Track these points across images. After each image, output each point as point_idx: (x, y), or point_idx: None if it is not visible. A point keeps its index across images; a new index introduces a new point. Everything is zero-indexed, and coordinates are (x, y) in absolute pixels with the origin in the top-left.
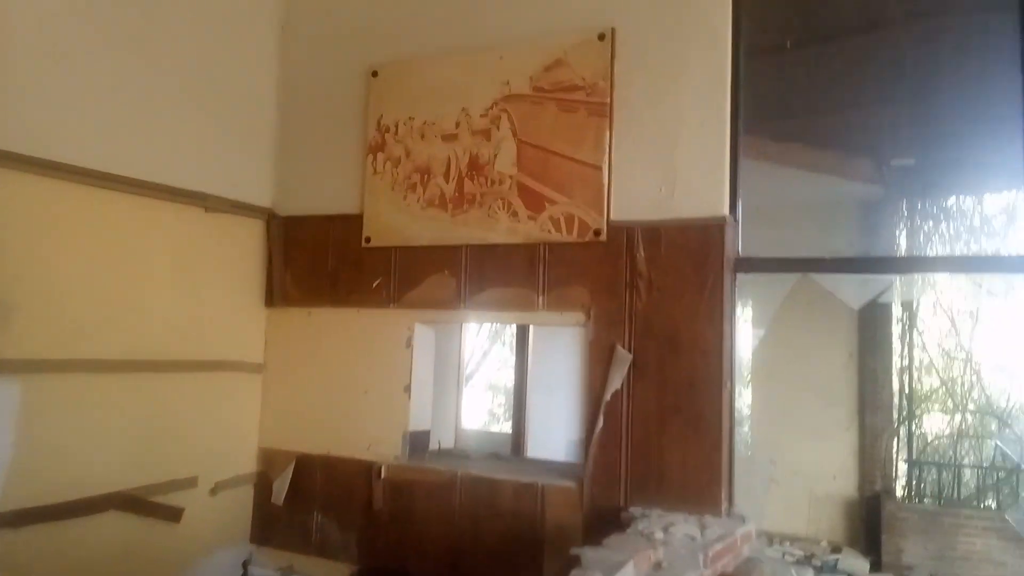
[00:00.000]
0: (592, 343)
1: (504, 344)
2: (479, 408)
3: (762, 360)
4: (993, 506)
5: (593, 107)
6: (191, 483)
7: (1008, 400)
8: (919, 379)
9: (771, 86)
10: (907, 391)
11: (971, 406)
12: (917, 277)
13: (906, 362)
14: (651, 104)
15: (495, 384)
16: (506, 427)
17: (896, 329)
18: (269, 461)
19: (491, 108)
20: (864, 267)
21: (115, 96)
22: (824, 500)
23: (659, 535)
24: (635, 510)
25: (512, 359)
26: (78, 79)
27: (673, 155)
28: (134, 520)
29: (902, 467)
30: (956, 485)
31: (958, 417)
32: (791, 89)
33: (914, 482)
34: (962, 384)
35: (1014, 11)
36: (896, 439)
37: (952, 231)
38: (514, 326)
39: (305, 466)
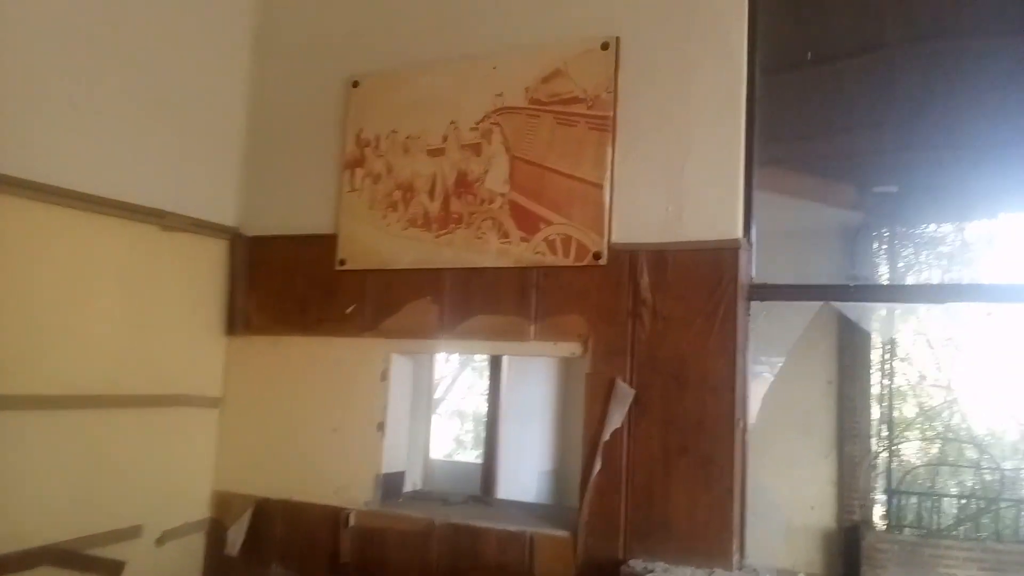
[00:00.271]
0: (590, 377)
1: (474, 370)
2: (445, 436)
3: None
4: (974, 536)
5: (595, 121)
6: (134, 532)
7: (988, 428)
8: (899, 407)
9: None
10: (887, 419)
11: (951, 434)
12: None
13: (886, 390)
14: (658, 118)
15: (462, 411)
16: (472, 455)
17: (876, 356)
18: (224, 506)
19: (482, 121)
20: (891, 295)
21: (58, 100)
22: (801, 531)
23: None
24: (636, 563)
25: (481, 385)
26: (13, 78)
27: (682, 173)
28: None
29: (881, 497)
30: (936, 515)
31: (937, 445)
32: (776, 113)
33: (893, 512)
34: (942, 412)
35: (1009, 35)
36: (875, 468)
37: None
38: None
39: (264, 512)
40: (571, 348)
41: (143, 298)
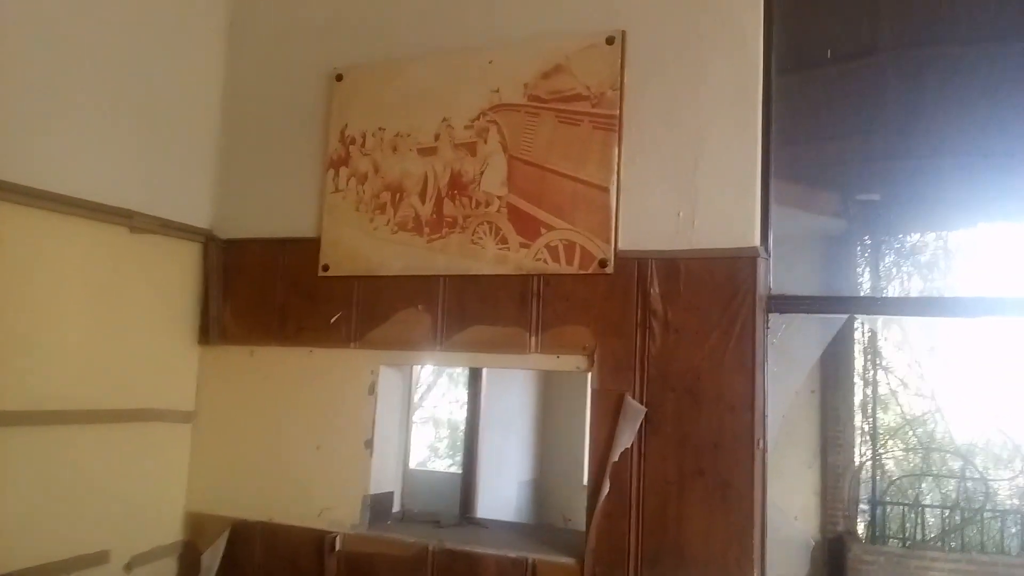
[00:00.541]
0: (597, 393)
1: (450, 377)
2: (420, 444)
3: None
4: (959, 547)
5: (600, 120)
6: (101, 558)
7: (971, 438)
8: (883, 416)
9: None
10: (870, 429)
11: (934, 444)
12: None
13: (869, 400)
14: (668, 117)
15: (437, 418)
16: (446, 464)
17: (859, 365)
18: (198, 529)
19: (477, 119)
20: (915, 308)
21: (19, 93)
22: (786, 542)
23: None
24: None
25: (456, 392)
26: None
27: (694, 176)
28: None
29: (865, 507)
30: (921, 525)
31: (921, 455)
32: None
33: (878, 523)
34: (925, 422)
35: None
36: (859, 478)
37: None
38: None
39: (242, 535)
40: (575, 362)
41: (110, 305)
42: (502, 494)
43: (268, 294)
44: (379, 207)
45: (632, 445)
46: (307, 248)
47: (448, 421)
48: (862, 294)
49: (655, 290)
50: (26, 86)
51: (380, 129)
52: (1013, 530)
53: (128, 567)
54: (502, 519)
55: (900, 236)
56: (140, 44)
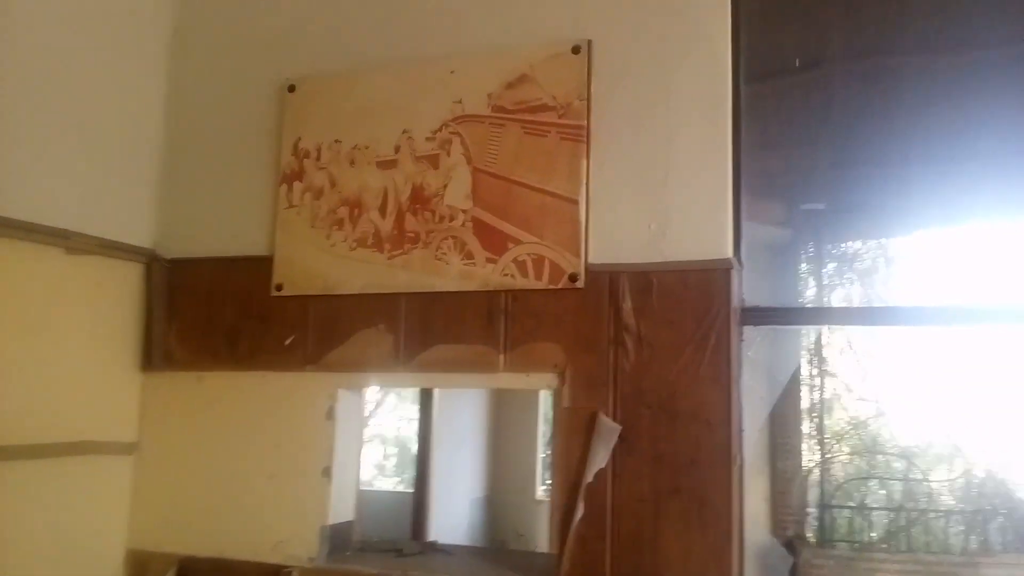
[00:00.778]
0: (568, 411)
1: (400, 395)
2: (367, 463)
3: None
4: (906, 548)
5: (567, 130)
6: None
7: (915, 440)
8: (828, 421)
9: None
10: (818, 433)
11: (879, 447)
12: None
13: (816, 404)
14: (637, 128)
15: (385, 436)
16: (395, 482)
17: (805, 370)
18: (141, 567)
19: (439, 130)
20: (887, 318)
21: None
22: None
23: None
24: None
25: (405, 409)
26: None
27: (664, 187)
28: None
29: (813, 511)
30: (868, 528)
31: (866, 459)
32: None
33: (827, 526)
34: (869, 425)
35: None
36: (807, 483)
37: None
38: None
39: (190, 573)
40: (546, 380)
41: (44, 331)
42: (454, 512)
43: (217, 316)
44: (336, 223)
45: (606, 465)
46: (259, 267)
47: (396, 438)
48: (807, 303)
49: (627, 304)
50: None
51: (336, 142)
52: (957, 530)
53: None
54: (456, 538)
55: (842, 244)
56: (75, 53)
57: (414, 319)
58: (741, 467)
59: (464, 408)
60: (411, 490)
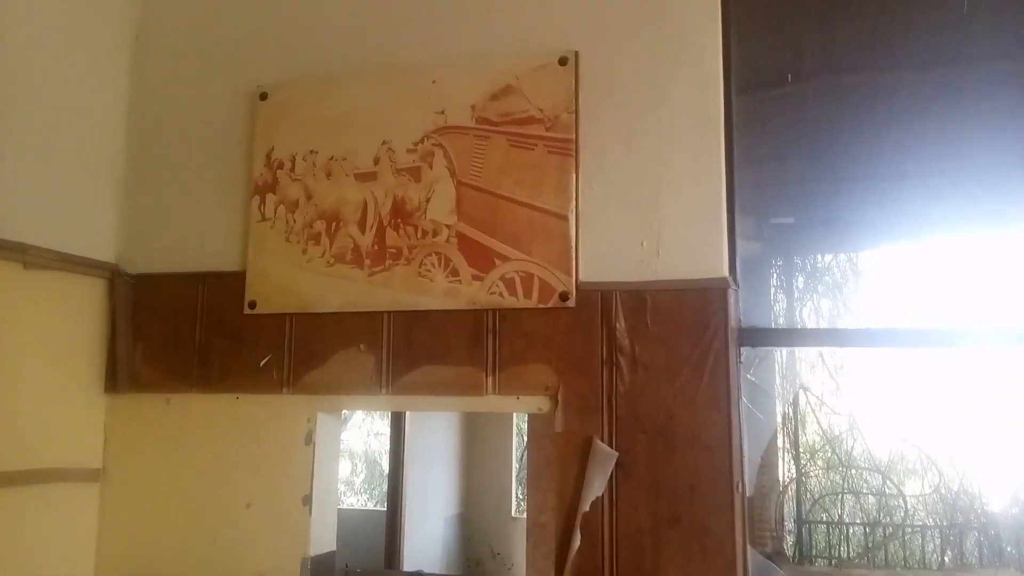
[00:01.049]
0: (561, 437)
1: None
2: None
3: None
4: (883, 563)
5: (555, 144)
6: None
7: (889, 454)
8: (803, 436)
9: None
10: (793, 448)
11: (853, 461)
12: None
13: (790, 419)
14: (627, 141)
15: (354, 451)
16: (363, 499)
17: (778, 384)
18: None
19: (421, 142)
20: (888, 340)
21: None
22: None
23: None
24: None
25: (374, 424)
26: None
27: (656, 203)
28: None
29: (790, 526)
30: (846, 543)
31: (841, 473)
32: None
33: (804, 542)
34: (843, 439)
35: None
36: (784, 498)
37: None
38: None
39: None
40: (537, 403)
41: (0, 351)
42: (429, 531)
43: (186, 335)
44: (313, 237)
45: (603, 493)
46: (230, 283)
47: (365, 454)
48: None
49: (621, 324)
50: None
51: (312, 152)
52: (933, 545)
53: None
54: (431, 558)
55: (811, 258)
56: (32, 59)
57: (397, 339)
58: (744, 494)
59: (437, 424)
60: (383, 508)
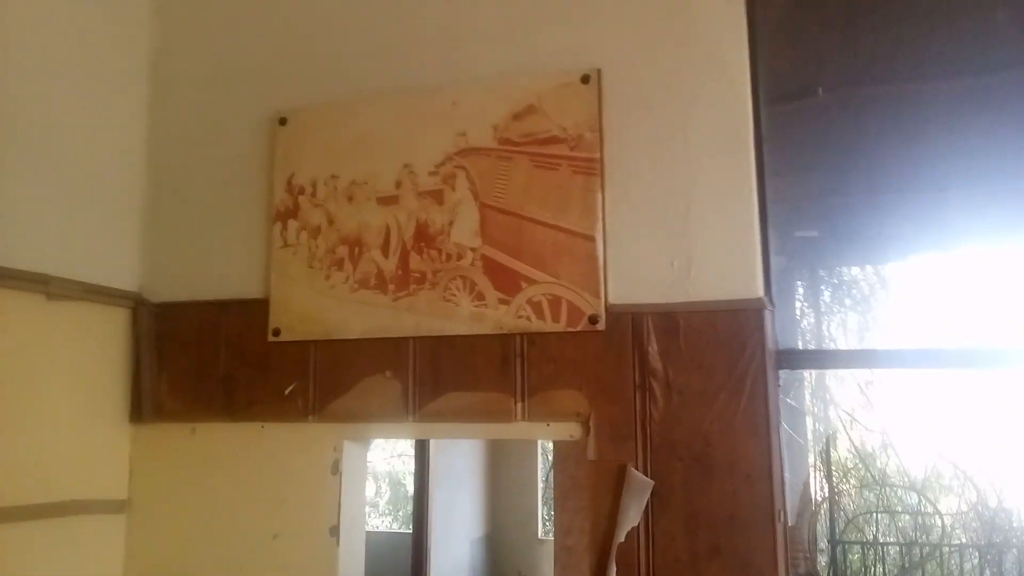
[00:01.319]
0: (595, 465)
1: None
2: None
3: None
4: None
5: (579, 163)
6: None
7: (925, 471)
8: (835, 453)
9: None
10: (825, 467)
11: (888, 479)
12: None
13: (821, 436)
14: (654, 159)
15: (377, 472)
16: (388, 520)
17: (808, 402)
18: None
19: (443, 164)
20: (932, 361)
21: None
22: None
23: None
24: None
25: (399, 444)
26: None
27: (686, 222)
28: None
29: (824, 546)
30: (882, 563)
31: (877, 492)
32: None
33: (838, 563)
34: (877, 457)
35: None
36: (817, 517)
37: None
38: None
39: None
40: (568, 429)
41: (24, 383)
42: (455, 553)
43: (210, 364)
44: (335, 263)
45: (638, 523)
46: (254, 310)
47: (389, 475)
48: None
49: (653, 347)
50: None
51: (333, 177)
52: (971, 564)
53: None
54: None
55: (837, 271)
56: (52, 90)
57: (423, 365)
58: (785, 523)
59: (462, 445)
60: (408, 530)
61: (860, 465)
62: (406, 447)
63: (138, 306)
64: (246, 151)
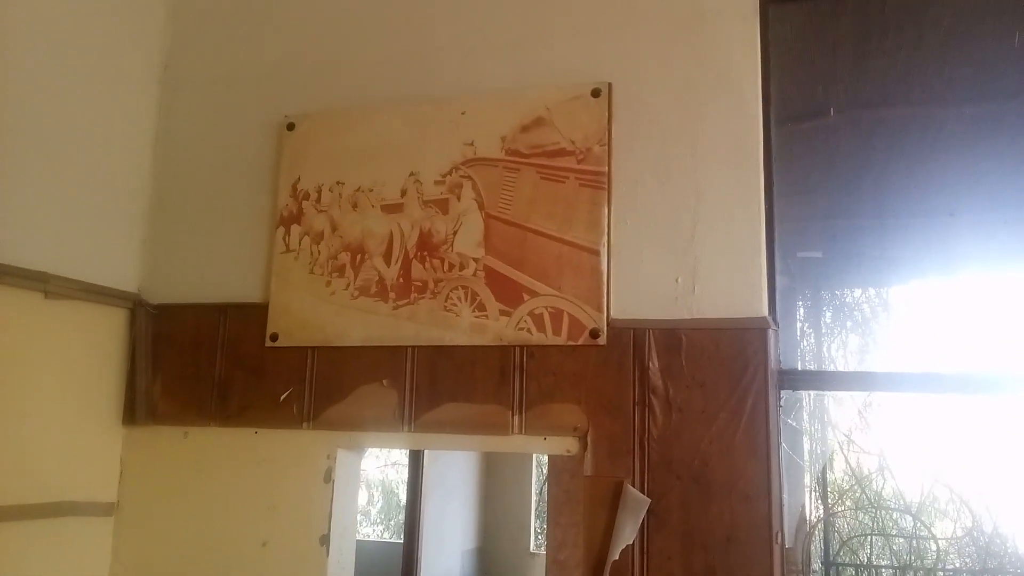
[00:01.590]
0: (591, 480)
1: None
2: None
3: None
4: None
5: (587, 177)
6: None
7: (921, 495)
8: (831, 475)
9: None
10: (821, 488)
11: (883, 502)
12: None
13: (817, 458)
14: (662, 175)
15: (370, 480)
16: (379, 530)
17: (805, 421)
18: None
19: (449, 174)
20: (931, 385)
21: None
22: None
23: None
24: None
25: (391, 453)
26: None
27: (692, 239)
28: None
29: (817, 568)
30: None
31: (872, 514)
32: None
33: None
34: (872, 479)
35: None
36: (811, 539)
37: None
38: None
39: None
40: (565, 444)
41: (19, 381)
42: (446, 565)
43: (206, 367)
44: (337, 269)
45: (633, 541)
46: (252, 315)
47: (382, 483)
48: (805, 351)
49: (654, 364)
50: None
51: (338, 183)
52: None
53: None
54: None
55: (839, 293)
56: (59, 88)
57: (420, 374)
58: (783, 545)
59: (455, 456)
60: (399, 540)
61: (856, 487)
62: (400, 456)
63: (136, 307)
64: (252, 155)
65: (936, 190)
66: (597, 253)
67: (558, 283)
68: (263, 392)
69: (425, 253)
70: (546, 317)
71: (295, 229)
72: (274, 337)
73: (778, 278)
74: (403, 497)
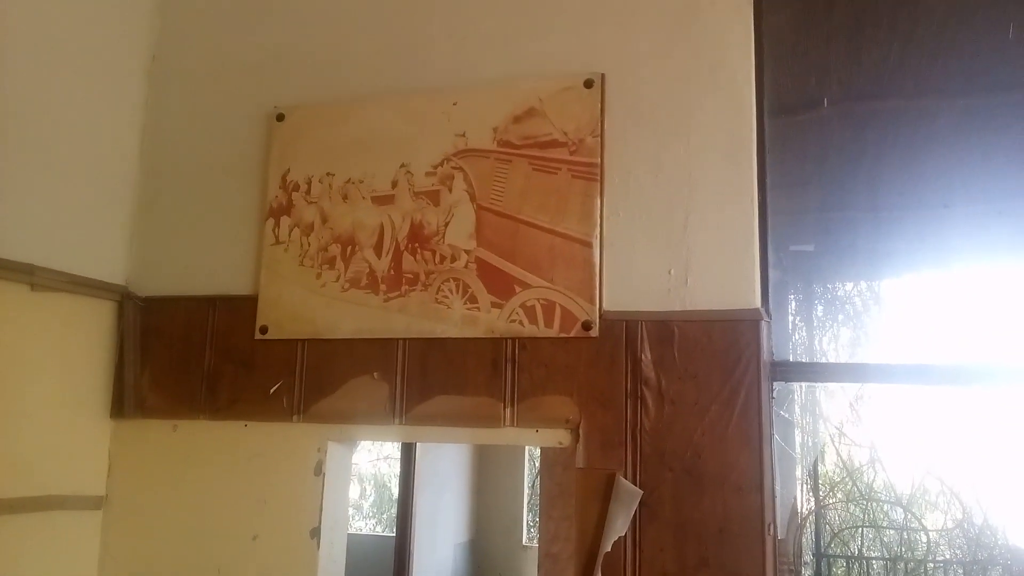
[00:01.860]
0: (583, 472)
1: None
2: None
3: None
4: None
5: (579, 168)
6: None
7: (912, 487)
8: (822, 467)
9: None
10: (812, 480)
11: (874, 494)
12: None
13: (809, 450)
14: (655, 166)
15: (362, 473)
16: (371, 523)
17: (797, 415)
18: None
19: (441, 165)
20: (924, 377)
21: None
22: None
23: None
24: None
25: (383, 447)
26: None
27: (684, 230)
28: None
29: (809, 559)
30: None
31: (863, 506)
32: None
33: None
34: (864, 471)
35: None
36: (803, 531)
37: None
38: None
39: None
40: (557, 437)
41: (5, 373)
42: (438, 558)
43: (194, 360)
44: (327, 261)
45: (625, 533)
46: (242, 307)
47: (374, 477)
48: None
49: (647, 356)
50: None
51: (328, 175)
52: None
53: None
54: None
55: (831, 286)
56: (46, 78)
57: (412, 367)
58: (775, 537)
59: (448, 449)
60: (392, 534)
61: (847, 479)
62: (392, 449)
63: (124, 299)
64: (241, 146)
65: (930, 182)
66: (589, 245)
67: (550, 275)
68: (253, 385)
69: (416, 245)
70: (538, 309)
71: (285, 221)
72: (264, 330)
73: (770, 271)
74: (396, 491)
